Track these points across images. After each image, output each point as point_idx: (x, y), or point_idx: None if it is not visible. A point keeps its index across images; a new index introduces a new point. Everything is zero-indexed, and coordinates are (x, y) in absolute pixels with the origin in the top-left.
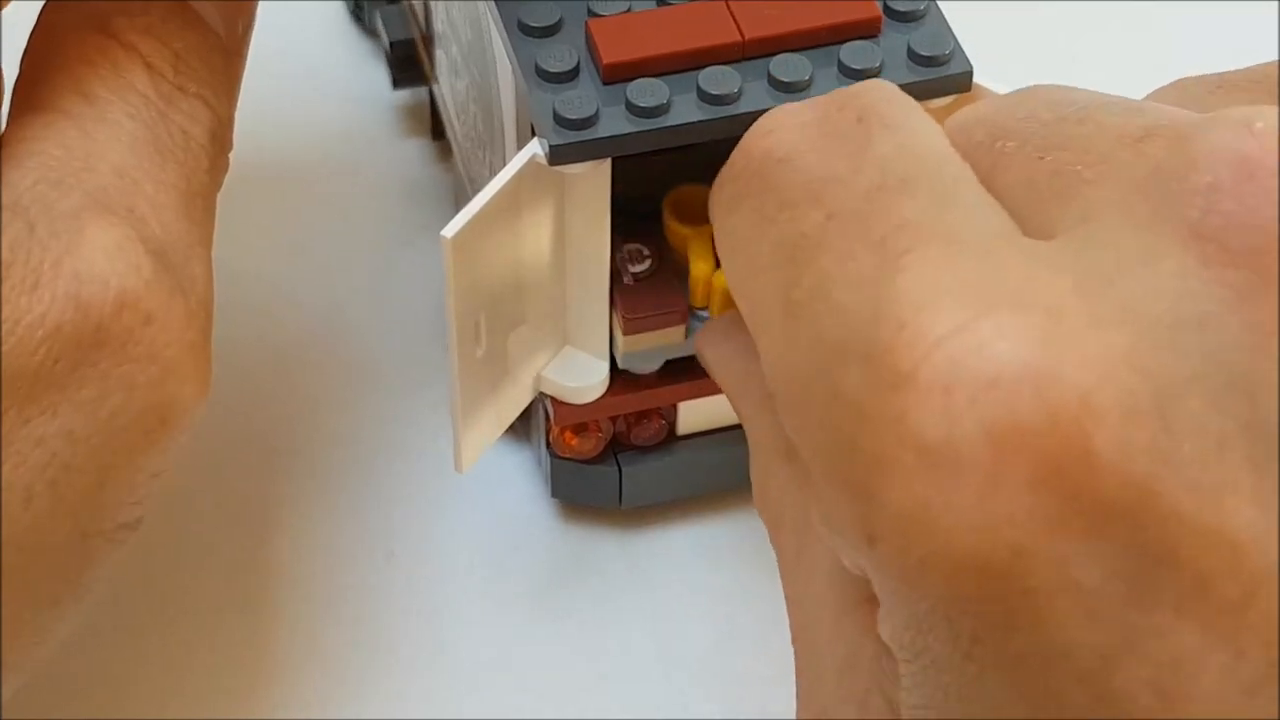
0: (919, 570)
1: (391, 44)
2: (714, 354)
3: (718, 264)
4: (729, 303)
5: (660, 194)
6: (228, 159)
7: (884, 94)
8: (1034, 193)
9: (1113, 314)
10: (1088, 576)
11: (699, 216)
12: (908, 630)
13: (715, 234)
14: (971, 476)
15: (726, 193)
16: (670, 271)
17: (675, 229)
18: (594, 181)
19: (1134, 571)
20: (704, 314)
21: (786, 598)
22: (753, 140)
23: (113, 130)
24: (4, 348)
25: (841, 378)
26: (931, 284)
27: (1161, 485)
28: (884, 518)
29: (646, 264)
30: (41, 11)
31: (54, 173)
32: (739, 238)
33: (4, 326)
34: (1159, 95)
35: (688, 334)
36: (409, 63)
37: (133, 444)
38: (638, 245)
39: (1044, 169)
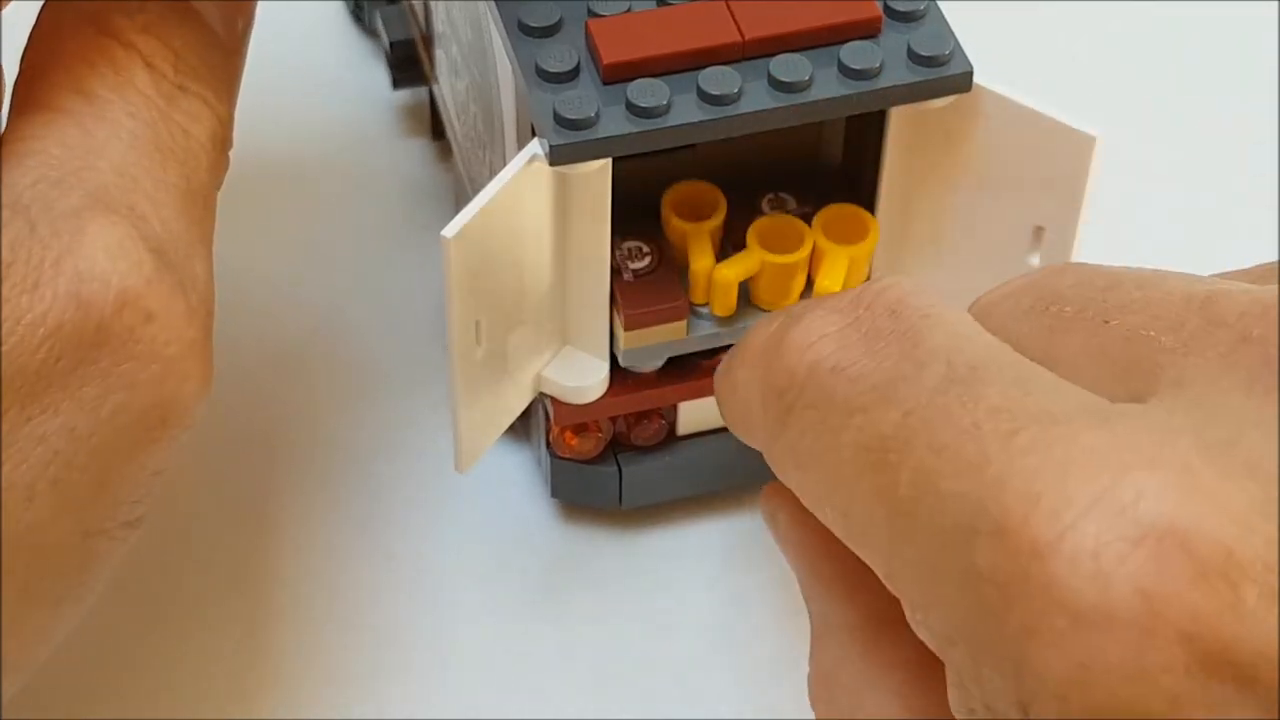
0: None
1: (391, 44)
2: (789, 527)
3: (718, 258)
4: (730, 298)
5: (659, 190)
6: (228, 158)
7: (905, 285)
8: (1106, 358)
9: (1240, 470)
10: None
11: (699, 212)
12: None
13: (770, 451)
14: (1127, 633)
15: (775, 410)
16: (670, 268)
17: (675, 225)
18: (594, 181)
19: None
20: (704, 310)
21: None
22: (793, 356)
23: (112, 129)
24: (5, 346)
25: (973, 558)
26: (1059, 457)
27: None
28: (1041, 684)
29: (646, 261)
30: (41, 10)
31: (54, 171)
32: (805, 451)
33: (5, 325)
34: None
35: (688, 330)
36: (409, 63)
37: (134, 442)
38: (637, 242)
39: (1113, 335)
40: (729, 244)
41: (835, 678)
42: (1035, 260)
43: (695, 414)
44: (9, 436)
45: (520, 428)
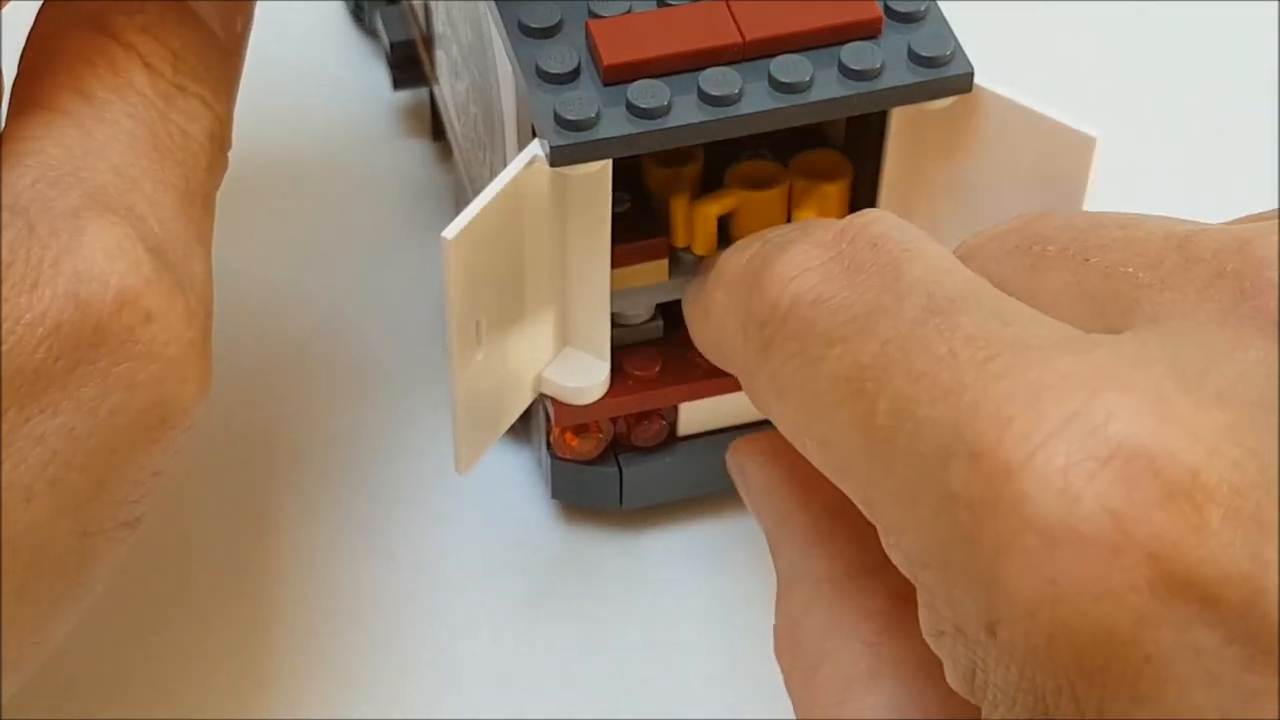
0: (1048, 647)
1: (392, 45)
2: (758, 477)
3: (693, 197)
4: (710, 235)
5: None
6: (226, 158)
7: (888, 221)
8: (1084, 294)
9: (1211, 398)
10: (1207, 641)
11: (675, 158)
12: None
13: (750, 381)
14: (1094, 550)
15: (756, 340)
16: (648, 212)
17: (653, 171)
18: (594, 182)
19: (1250, 635)
20: (686, 254)
21: None
22: (776, 288)
23: (111, 129)
24: (4, 346)
25: (948, 482)
26: (1032, 381)
27: (1270, 554)
28: (1010, 602)
29: (625, 206)
30: (40, 10)
31: (53, 172)
32: (785, 382)
33: (4, 325)
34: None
35: (671, 272)
36: (409, 63)
37: (133, 442)
38: (615, 191)
39: (1093, 271)
40: (708, 192)
41: (802, 627)
42: None
43: (696, 415)
44: (8, 436)
45: (521, 429)
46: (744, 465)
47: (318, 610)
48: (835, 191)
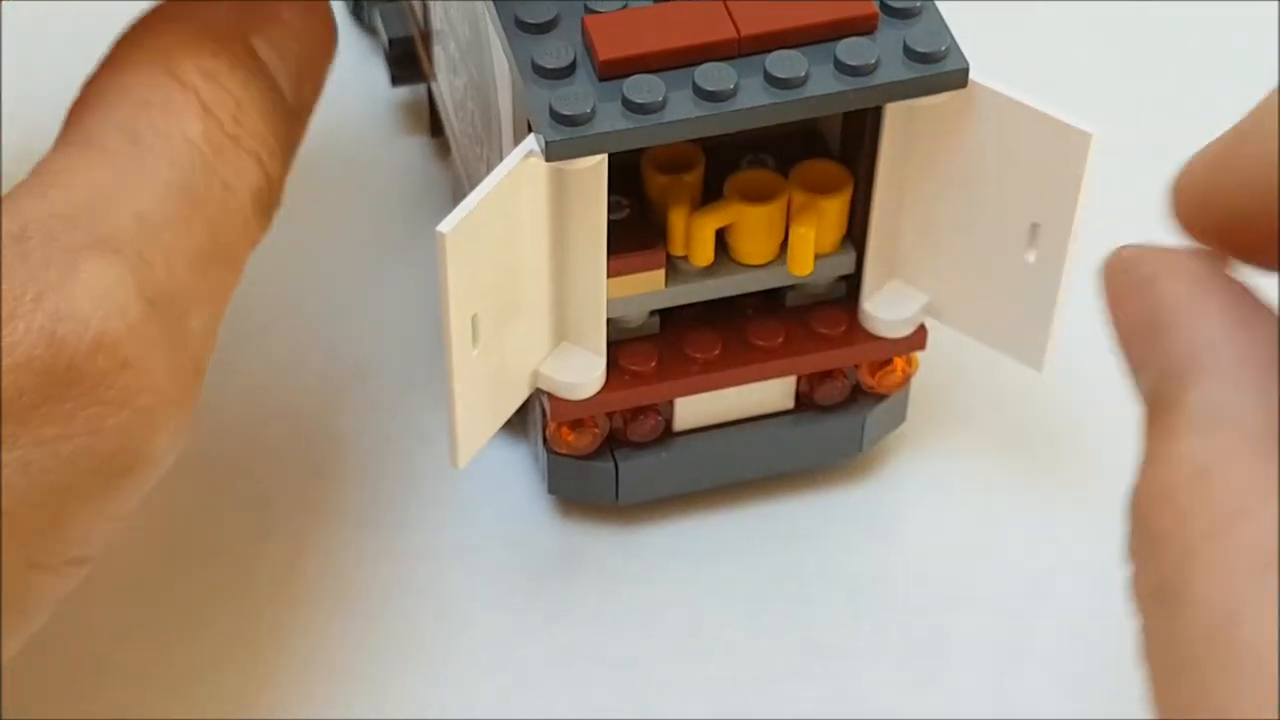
0: None
1: (390, 41)
2: (1178, 296)
3: (693, 206)
4: (707, 247)
5: (640, 150)
6: (271, 219)
7: None
8: None
9: None
10: None
11: (675, 165)
12: None
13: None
14: None
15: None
16: (648, 221)
17: (655, 180)
18: (590, 177)
19: None
20: (683, 263)
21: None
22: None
23: (148, 176)
24: None
25: None
26: None
27: None
28: None
29: (625, 213)
30: (115, 44)
31: (73, 209)
32: None
33: None
34: None
35: (668, 281)
36: (408, 60)
37: (93, 486)
38: (615, 196)
39: None
40: (708, 200)
41: (1217, 475)
42: (1032, 258)
43: (692, 410)
44: None
45: (518, 424)
46: (1154, 277)
47: (315, 607)
48: (834, 207)
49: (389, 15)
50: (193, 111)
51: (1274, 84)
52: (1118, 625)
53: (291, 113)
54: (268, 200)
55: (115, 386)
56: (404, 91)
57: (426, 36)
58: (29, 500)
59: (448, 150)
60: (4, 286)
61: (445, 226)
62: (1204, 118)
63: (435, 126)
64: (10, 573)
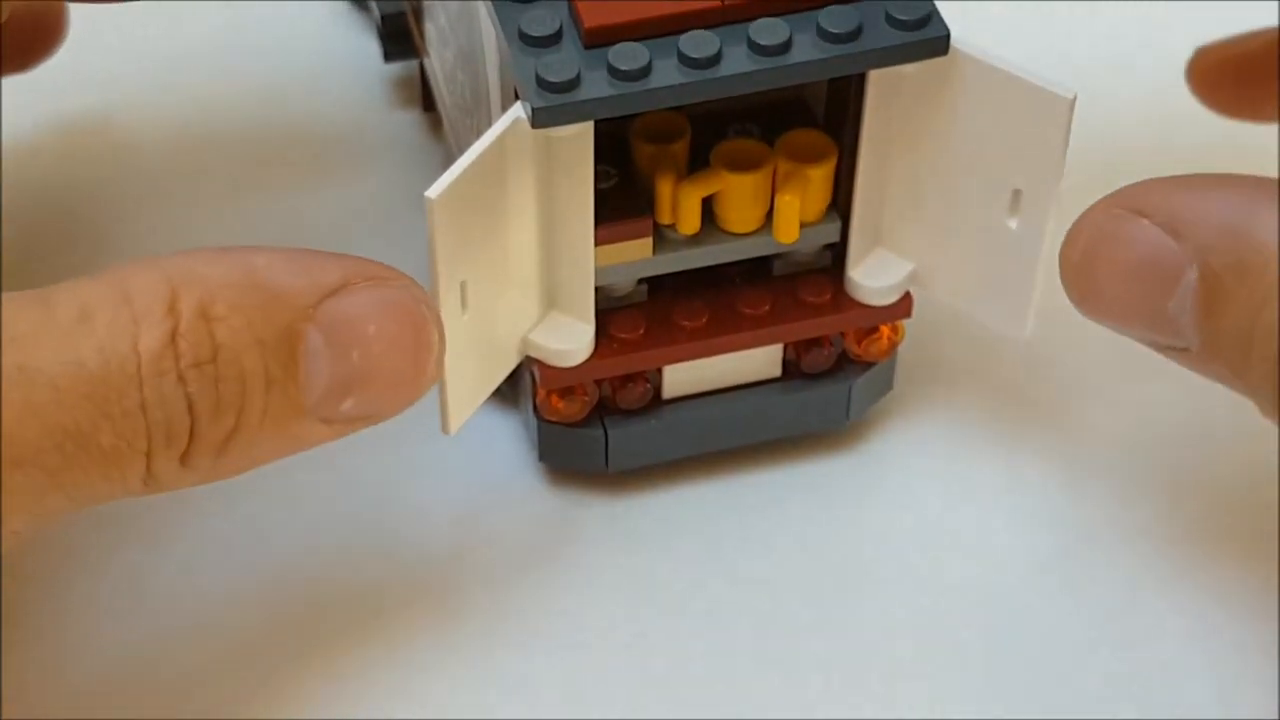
0: None
1: (383, 17)
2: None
3: (680, 175)
4: (694, 215)
5: (627, 119)
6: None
7: None
8: None
9: None
10: None
11: (662, 134)
12: None
13: None
14: None
15: None
16: (635, 191)
17: (642, 149)
18: (577, 144)
19: None
20: (670, 231)
21: None
22: None
23: (64, 348)
24: None
25: None
26: None
27: None
28: None
29: (612, 182)
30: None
31: None
32: None
33: None
34: None
35: (655, 249)
36: (400, 36)
37: None
38: (603, 166)
39: None
40: (694, 169)
41: None
42: (1014, 224)
43: (680, 377)
44: None
45: (509, 393)
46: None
47: (303, 575)
48: (819, 175)
49: None
50: (160, 331)
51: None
52: (1103, 590)
53: (295, 411)
54: (179, 447)
55: None
56: (397, 67)
57: (418, 12)
58: None
59: (440, 125)
60: None
61: (433, 192)
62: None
63: (428, 101)
64: None
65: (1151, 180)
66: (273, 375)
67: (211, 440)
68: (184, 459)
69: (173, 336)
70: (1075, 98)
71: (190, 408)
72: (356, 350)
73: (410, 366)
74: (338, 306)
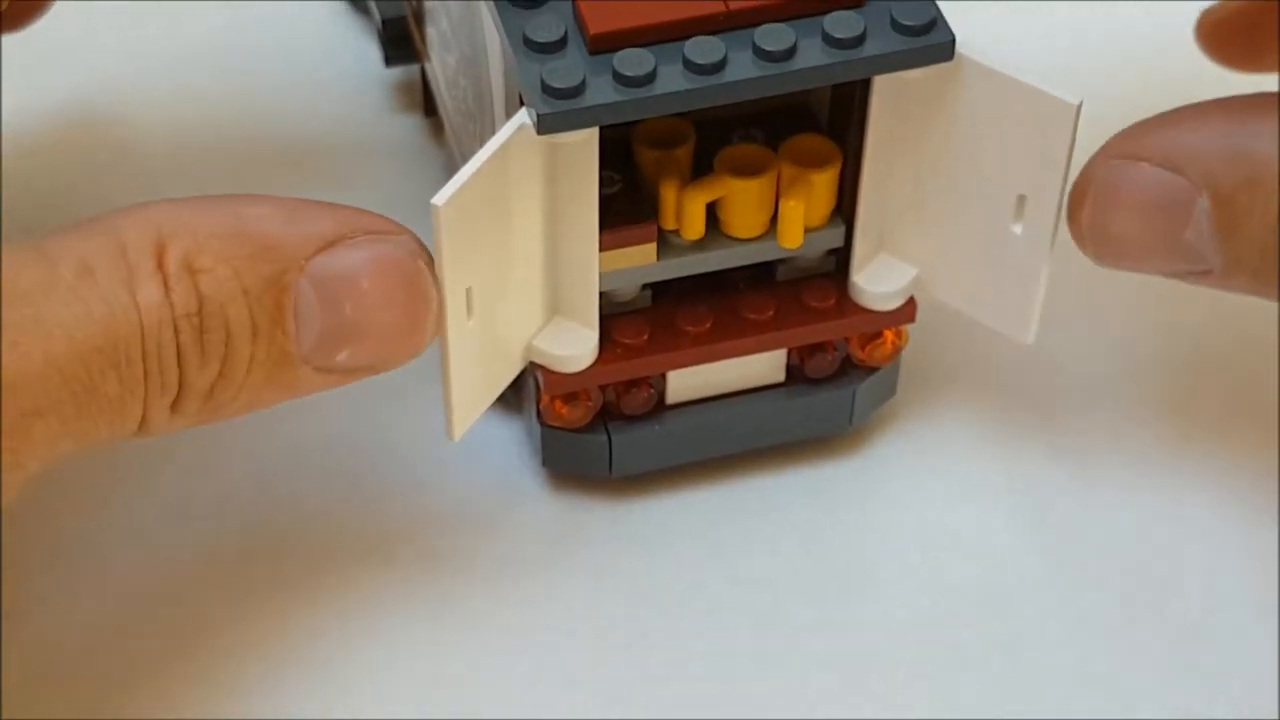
0: None
1: (384, 21)
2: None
3: (684, 180)
4: (698, 221)
5: (631, 125)
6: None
7: None
8: None
9: None
10: None
11: (666, 139)
12: None
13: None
14: None
15: None
16: (640, 196)
17: (646, 154)
18: (582, 150)
19: None
20: (674, 236)
21: None
22: None
23: (73, 300)
24: None
25: None
26: None
27: None
28: None
29: (616, 187)
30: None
31: None
32: None
33: None
34: None
35: (659, 255)
36: (401, 40)
37: None
38: (607, 171)
39: None
40: (698, 174)
41: None
42: (1018, 229)
43: (684, 382)
44: None
45: (512, 399)
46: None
47: (307, 583)
48: (823, 180)
49: None
50: (154, 284)
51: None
52: (1106, 595)
53: (289, 360)
54: (169, 393)
55: None
56: (398, 71)
57: (419, 16)
58: None
59: (442, 129)
60: None
61: (439, 199)
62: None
63: (429, 106)
64: None
65: (1139, 124)
66: (259, 325)
67: (199, 388)
68: (174, 406)
69: (165, 289)
70: (1080, 104)
71: (179, 357)
72: (349, 304)
73: (406, 321)
74: (330, 261)
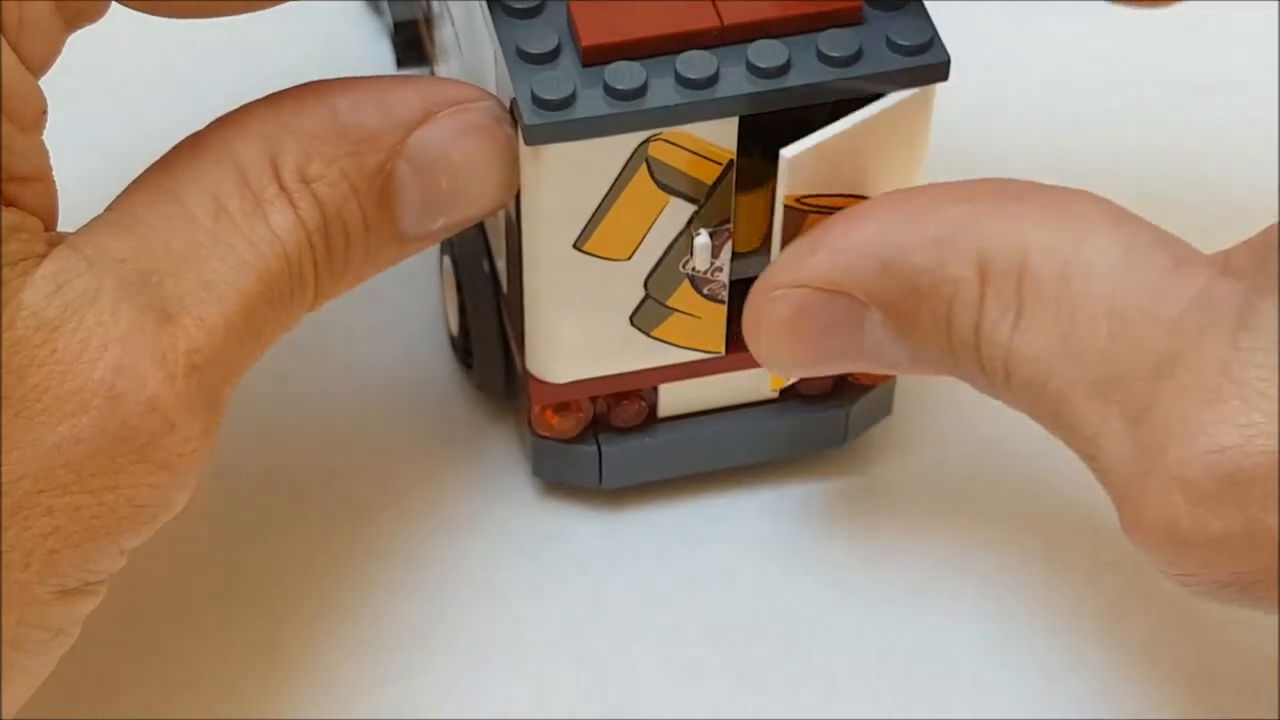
0: None
1: (396, 25)
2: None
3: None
4: None
5: None
6: (299, 319)
7: None
8: None
9: None
10: None
11: None
12: None
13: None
14: None
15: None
16: None
17: None
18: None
19: None
20: None
21: None
22: None
23: (223, 252)
24: (35, 418)
25: None
26: None
27: None
28: None
29: None
30: (248, 105)
31: (146, 262)
32: None
33: (36, 398)
34: None
35: None
36: (413, 43)
37: (123, 530)
38: None
39: None
40: None
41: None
42: None
43: (676, 396)
44: (21, 502)
45: (505, 408)
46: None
47: (299, 593)
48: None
49: None
50: (283, 207)
51: (1274, 84)
52: (1100, 615)
53: (401, 239)
54: (312, 305)
55: (160, 447)
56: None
57: (429, 20)
58: (71, 541)
59: None
60: (72, 324)
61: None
62: (1204, 118)
63: None
64: (47, 600)
65: (795, 245)
66: (370, 218)
67: (328, 290)
68: (310, 305)
69: (293, 207)
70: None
71: (315, 271)
72: (445, 178)
73: (493, 183)
74: (423, 140)
